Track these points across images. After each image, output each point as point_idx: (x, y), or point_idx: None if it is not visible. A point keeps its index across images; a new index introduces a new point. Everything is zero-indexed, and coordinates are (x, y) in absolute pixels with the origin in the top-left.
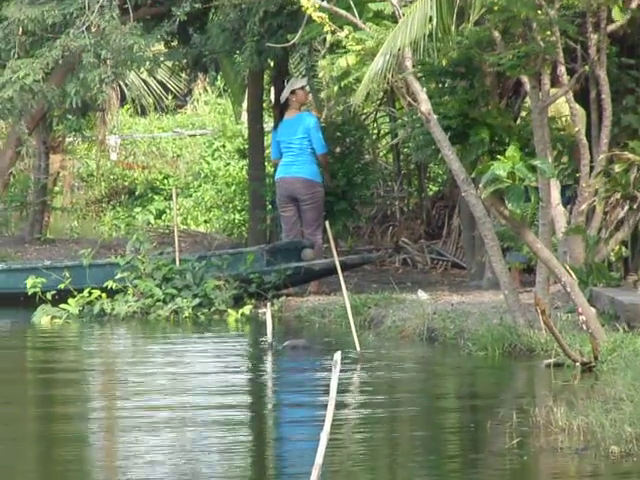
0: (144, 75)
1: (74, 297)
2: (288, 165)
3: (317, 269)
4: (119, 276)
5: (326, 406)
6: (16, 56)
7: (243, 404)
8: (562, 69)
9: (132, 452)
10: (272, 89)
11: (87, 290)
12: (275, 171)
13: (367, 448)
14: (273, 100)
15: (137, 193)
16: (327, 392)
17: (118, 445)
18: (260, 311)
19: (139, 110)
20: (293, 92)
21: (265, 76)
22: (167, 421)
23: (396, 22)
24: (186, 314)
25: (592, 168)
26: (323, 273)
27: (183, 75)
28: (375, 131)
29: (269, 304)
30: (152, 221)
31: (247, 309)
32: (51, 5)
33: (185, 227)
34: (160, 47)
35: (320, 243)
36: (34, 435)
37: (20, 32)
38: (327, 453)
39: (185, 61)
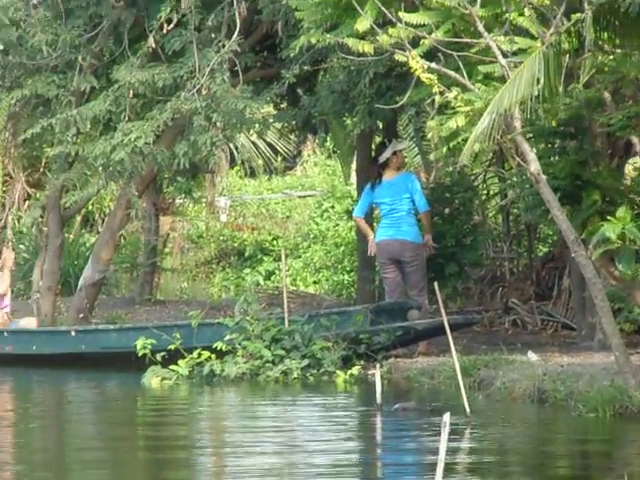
0: (254, 137)
1: (184, 358)
2: (391, 227)
3: (420, 329)
4: (228, 337)
5: (435, 468)
6: (127, 119)
7: (352, 464)
8: None
9: None
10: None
11: (197, 351)
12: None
13: None
14: (373, 159)
15: (246, 254)
16: (436, 454)
17: None
18: (369, 372)
19: (248, 172)
20: (395, 153)
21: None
22: (276, 473)
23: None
24: (295, 375)
25: None
26: (426, 334)
27: (292, 137)
28: (484, 192)
29: (378, 365)
30: (261, 282)
31: (356, 370)
32: (161, 68)
33: (294, 288)
34: (269, 109)
35: (427, 304)
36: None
37: (131, 95)
38: None
39: (294, 123)
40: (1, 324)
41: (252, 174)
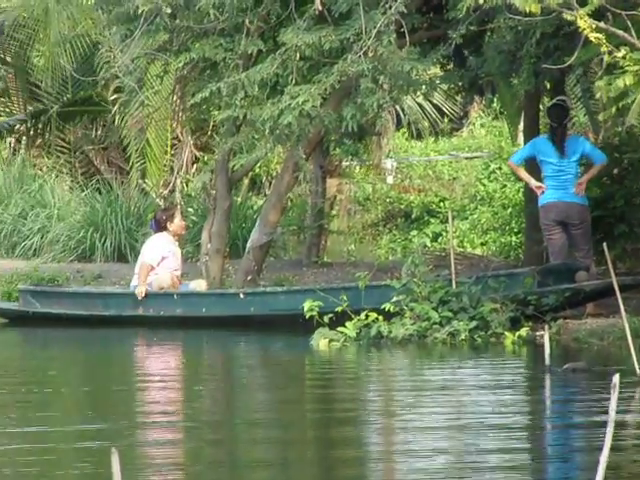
0: (420, 99)
1: (351, 320)
2: (558, 189)
3: (588, 290)
4: (395, 299)
5: (605, 428)
6: (294, 82)
7: (519, 425)
8: None
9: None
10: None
11: (364, 313)
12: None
13: None
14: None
15: (413, 216)
16: (606, 415)
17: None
18: (538, 334)
19: (414, 134)
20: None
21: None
22: (445, 425)
23: None
24: (463, 337)
25: None
26: (594, 295)
27: (458, 98)
28: None
29: (547, 326)
30: (428, 244)
31: (524, 331)
32: (328, 31)
33: (461, 250)
34: (436, 70)
35: (593, 267)
36: (314, 439)
37: (297, 58)
38: (606, 475)
39: (461, 84)
40: (171, 286)
41: (418, 136)
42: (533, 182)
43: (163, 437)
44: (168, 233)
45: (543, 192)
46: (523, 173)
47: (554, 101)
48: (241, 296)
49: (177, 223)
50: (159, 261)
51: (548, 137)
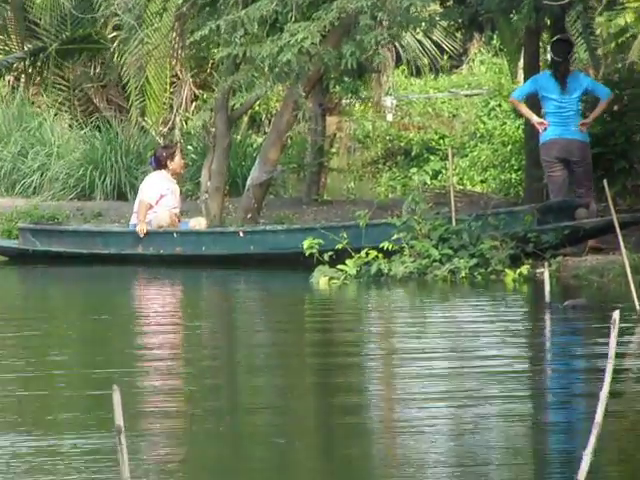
0: (419, 36)
1: (351, 258)
2: (561, 126)
3: (588, 228)
4: (395, 237)
5: (604, 362)
6: (293, 19)
7: (521, 356)
8: None
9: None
10: (548, 47)
11: (364, 251)
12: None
13: None
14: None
15: (413, 154)
16: (606, 349)
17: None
18: (538, 271)
19: (414, 71)
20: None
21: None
22: (446, 372)
23: None
24: (463, 274)
25: None
26: (595, 232)
27: (458, 35)
28: None
29: (547, 264)
30: (428, 181)
31: (524, 269)
32: None
33: (461, 187)
34: (435, 7)
35: (594, 204)
36: (314, 385)
37: None
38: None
39: (460, 21)
40: (171, 224)
41: (418, 73)
42: (535, 118)
43: (163, 383)
44: (167, 171)
45: (545, 129)
46: (525, 109)
47: (558, 36)
48: (240, 235)
49: (177, 162)
50: (157, 199)
51: (551, 73)
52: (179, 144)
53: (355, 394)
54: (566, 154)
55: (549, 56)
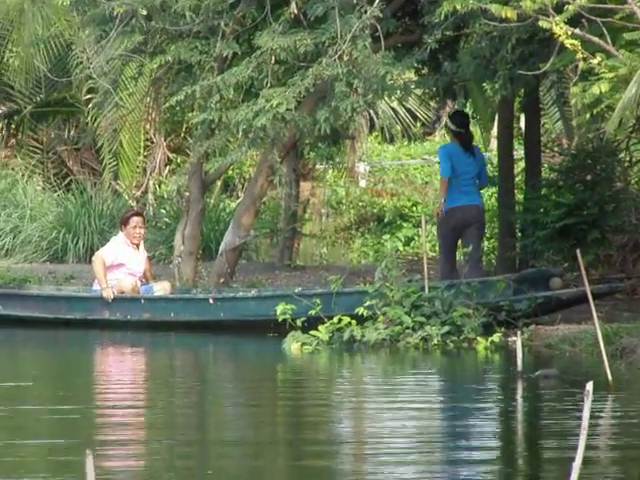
0: (394, 103)
1: (323, 324)
2: (473, 194)
3: (565, 298)
4: (368, 303)
5: (577, 436)
6: (269, 85)
7: (492, 431)
8: None
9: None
10: (522, 116)
11: (337, 317)
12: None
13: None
14: (523, 128)
15: (386, 220)
16: (579, 421)
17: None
18: (510, 339)
19: (387, 138)
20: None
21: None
22: (415, 447)
23: None
24: (435, 342)
25: None
26: (571, 302)
27: (432, 103)
28: (627, 159)
29: (519, 332)
30: (401, 248)
31: (497, 337)
32: (303, 34)
33: (434, 254)
34: (410, 75)
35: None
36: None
37: (273, 61)
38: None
39: (435, 89)
40: (132, 291)
41: (391, 140)
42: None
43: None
44: (125, 236)
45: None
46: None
47: (456, 109)
48: (210, 301)
49: (129, 230)
50: (112, 260)
51: (457, 144)
52: (139, 212)
53: (323, 458)
54: (471, 219)
55: (451, 128)
